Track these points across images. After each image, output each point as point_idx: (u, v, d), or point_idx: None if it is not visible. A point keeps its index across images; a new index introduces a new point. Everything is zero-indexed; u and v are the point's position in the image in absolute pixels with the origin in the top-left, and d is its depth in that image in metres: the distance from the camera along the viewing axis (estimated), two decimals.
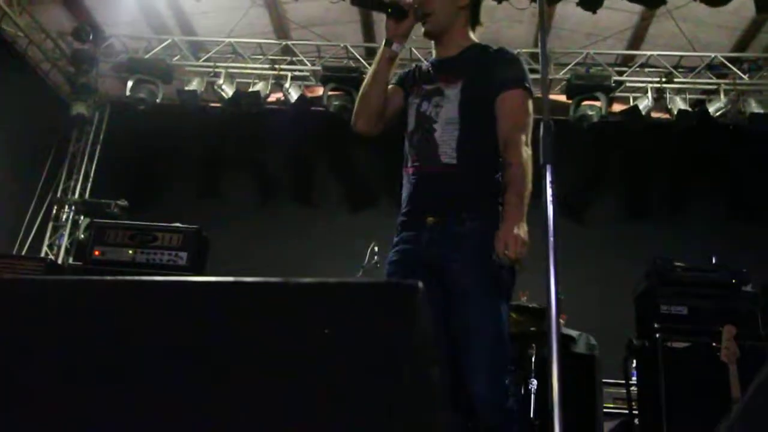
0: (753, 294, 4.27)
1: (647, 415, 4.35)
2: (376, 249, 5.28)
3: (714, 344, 3.81)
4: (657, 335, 4.16)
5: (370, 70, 2.63)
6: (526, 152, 2.35)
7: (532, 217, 2.22)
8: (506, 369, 2.34)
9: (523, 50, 7.41)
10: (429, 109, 2.51)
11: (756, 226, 7.15)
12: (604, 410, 5.04)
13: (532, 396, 3.91)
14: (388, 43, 2.57)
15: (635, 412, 4.56)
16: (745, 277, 4.30)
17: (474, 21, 2.66)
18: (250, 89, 7.51)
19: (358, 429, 0.82)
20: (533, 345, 4.07)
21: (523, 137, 2.38)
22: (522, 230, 2.25)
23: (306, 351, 0.86)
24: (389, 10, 2.50)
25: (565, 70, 7.35)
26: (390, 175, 8.48)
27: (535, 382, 3.94)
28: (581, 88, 7.10)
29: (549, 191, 1.79)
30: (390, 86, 2.65)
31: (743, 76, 7.06)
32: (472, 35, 2.64)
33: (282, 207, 8.09)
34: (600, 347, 5.62)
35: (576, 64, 7.34)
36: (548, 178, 1.84)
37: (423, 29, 2.58)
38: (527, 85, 2.51)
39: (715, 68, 7.16)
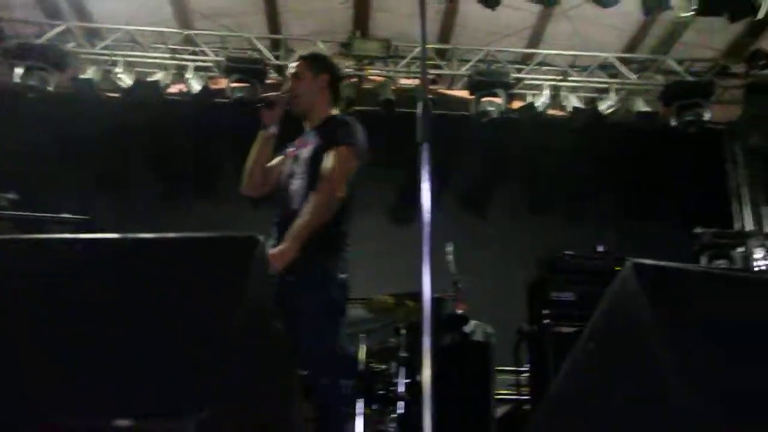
0: None
1: (537, 399, 4.53)
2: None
3: None
4: (546, 321, 4.34)
5: (252, 150, 3.15)
6: (327, 195, 2.89)
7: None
8: (341, 374, 2.88)
9: (428, 46, 7.54)
10: (290, 168, 3.12)
11: (643, 220, 7.57)
12: (497, 396, 5.21)
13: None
14: (265, 128, 3.12)
15: (526, 397, 4.74)
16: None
17: (335, 98, 3.27)
18: (150, 79, 7.30)
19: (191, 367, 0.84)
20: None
21: (331, 183, 2.91)
22: (286, 250, 2.76)
23: (147, 298, 0.88)
24: (261, 104, 3.11)
25: (468, 66, 7.52)
26: None
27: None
28: (482, 84, 7.29)
29: (425, 171, 1.82)
30: (280, 157, 3.21)
31: (631, 75, 7.43)
32: (332, 110, 3.23)
33: (184, 200, 7.91)
34: (497, 336, 5.81)
35: (478, 61, 7.52)
36: (424, 157, 1.85)
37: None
38: (351, 141, 3.03)
39: (606, 68, 7.50)
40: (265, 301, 1.00)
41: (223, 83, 7.48)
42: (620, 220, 7.45)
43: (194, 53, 7.59)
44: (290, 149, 3.20)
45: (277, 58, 7.58)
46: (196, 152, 8.01)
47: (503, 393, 5.36)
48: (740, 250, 7.18)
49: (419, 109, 2.04)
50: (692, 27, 7.03)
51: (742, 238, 7.33)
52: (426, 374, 1.77)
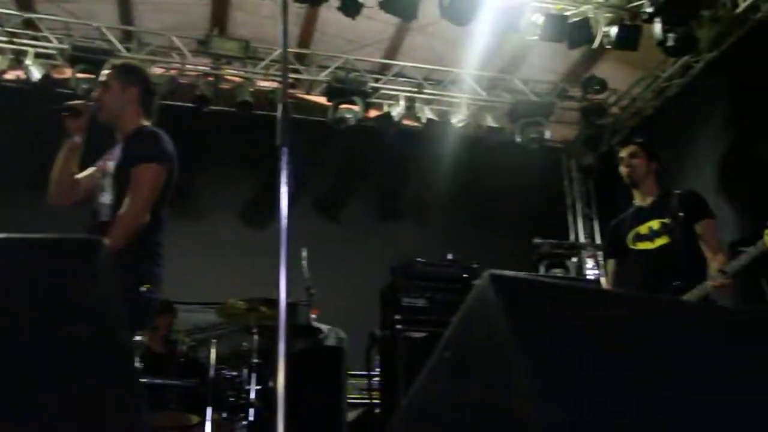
0: None
1: (387, 403, 4.61)
2: None
3: None
4: (398, 326, 4.43)
5: (58, 159, 3.07)
6: (132, 211, 2.85)
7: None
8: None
9: (290, 50, 7.50)
10: (99, 181, 3.06)
11: (490, 229, 7.96)
12: (350, 401, 5.26)
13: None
14: (70, 137, 3.04)
15: (377, 401, 4.81)
16: (476, 272, 4.75)
17: (147, 111, 3.22)
18: None
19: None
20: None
21: (136, 200, 2.86)
22: None
23: None
24: (66, 112, 3.01)
25: (326, 72, 7.56)
26: None
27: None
28: (340, 91, 7.36)
29: (284, 174, 1.79)
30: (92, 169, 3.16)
31: (482, 92, 7.80)
32: (143, 121, 3.16)
33: (16, 195, 7.30)
34: (349, 341, 5.86)
35: (336, 68, 7.58)
36: (283, 160, 1.82)
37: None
38: (153, 156, 3.01)
39: (458, 83, 7.83)
40: (107, 309, 0.94)
41: (67, 73, 7.01)
42: (468, 229, 7.76)
43: (35, 38, 7.06)
44: (100, 162, 3.16)
45: (128, 50, 7.23)
46: (32, 143, 7.42)
47: (355, 397, 5.41)
48: (574, 260, 7.74)
49: (279, 112, 1.97)
50: (537, 51, 7.50)
51: (576, 249, 7.92)
52: (280, 380, 1.74)
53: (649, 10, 6.20)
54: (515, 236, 7.80)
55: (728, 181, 6.44)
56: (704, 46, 6.70)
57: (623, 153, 3.89)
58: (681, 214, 3.51)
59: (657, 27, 6.22)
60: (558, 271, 7.59)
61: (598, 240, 8.34)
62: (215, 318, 4.52)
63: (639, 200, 3.87)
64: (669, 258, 3.51)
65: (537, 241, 7.63)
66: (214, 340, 3.70)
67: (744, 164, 6.32)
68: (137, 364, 3.29)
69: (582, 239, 8.38)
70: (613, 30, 6.42)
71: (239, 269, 6.69)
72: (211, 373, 3.62)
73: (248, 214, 7.78)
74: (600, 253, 8.21)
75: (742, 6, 6.28)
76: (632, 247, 3.76)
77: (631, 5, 6.52)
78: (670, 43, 6.21)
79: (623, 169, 3.84)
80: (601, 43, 6.52)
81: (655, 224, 3.68)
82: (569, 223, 8.63)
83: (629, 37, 6.37)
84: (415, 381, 1.12)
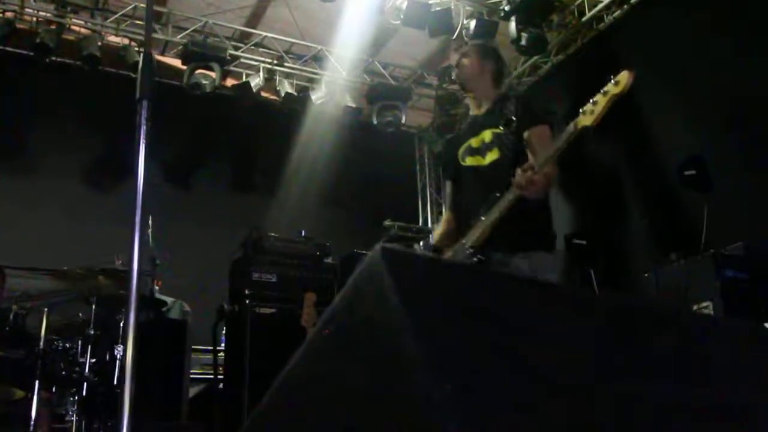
0: (333, 266, 4.77)
1: (231, 378, 4.55)
2: None
3: (298, 311, 4.14)
4: (247, 301, 4.37)
5: None
6: None
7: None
8: None
9: (142, 5, 7.09)
10: None
11: (343, 209, 8.04)
12: (192, 376, 5.12)
13: (117, 362, 3.78)
14: None
15: (221, 376, 4.73)
16: (327, 250, 4.77)
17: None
18: None
19: None
20: (122, 309, 3.93)
21: None
22: None
23: None
24: None
25: (183, 34, 7.22)
26: None
27: (121, 347, 3.81)
28: (197, 55, 7.05)
29: (142, 130, 1.67)
30: None
31: (342, 71, 7.81)
32: None
33: None
34: (194, 315, 5.69)
35: (194, 31, 7.27)
36: (143, 115, 1.69)
37: None
38: None
39: (319, 60, 7.78)
40: None
41: None
42: (320, 207, 7.77)
43: None
44: None
45: None
46: None
47: (198, 372, 5.27)
48: (422, 243, 8.00)
49: (140, 62, 1.84)
50: (399, 36, 7.61)
51: (425, 233, 8.18)
52: (129, 352, 1.65)
53: (507, 8, 6.49)
54: (367, 217, 7.92)
55: (565, 176, 6.89)
56: (552, 49, 7.14)
57: (454, 55, 3.33)
58: (513, 120, 2.93)
59: (512, 25, 6.53)
60: None
61: None
62: (49, 285, 4.20)
63: (474, 109, 3.24)
64: (501, 177, 2.81)
65: (387, 223, 7.80)
66: (45, 309, 3.42)
67: (579, 161, 6.81)
68: None
69: (430, 224, 8.67)
70: (472, 23, 6.65)
71: (78, 234, 6.29)
72: (41, 344, 3.36)
73: (90, 176, 7.31)
74: None
75: (588, 15, 6.74)
76: (462, 163, 3.14)
77: (490, 1, 6.79)
78: (523, 42, 6.55)
79: (454, 73, 3.32)
80: (460, 34, 6.74)
81: (487, 135, 3.04)
82: (419, 208, 8.89)
83: (486, 32, 6.63)
84: (289, 361, 1.10)
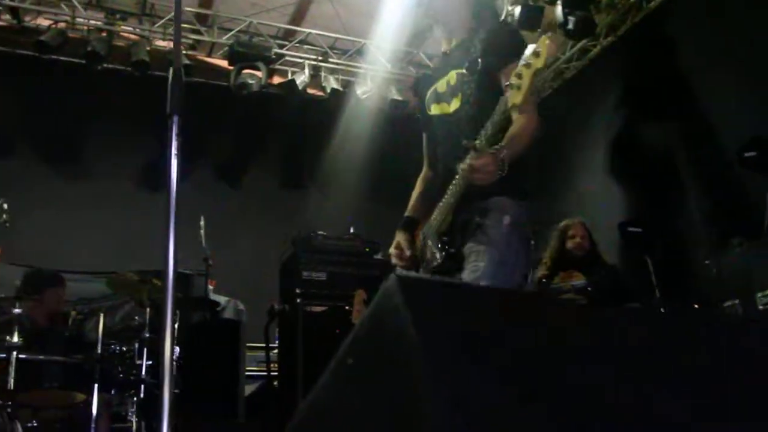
0: (382, 262, 4.74)
1: (286, 377, 4.59)
2: (5, 206, 4.63)
3: (347, 307, 4.14)
4: (298, 300, 4.39)
5: None
6: None
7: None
8: None
9: (188, 9, 7.18)
10: None
11: (390, 203, 7.98)
12: (248, 373, 5.19)
13: (174, 364, 3.85)
14: None
15: (275, 374, 4.77)
16: (376, 247, 4.76)
17: None
18: None
19: None
20: (177, 312, 3.99)
21: None
22: None
23: None
24: None
25: (229, 35, 7.29)
26: (35, 120, 7.50)
27: (177, 349, 3.87)
28: (243, 56, 7.12)
29: (173, 145, 1.66)
30: None
31: (387, 64, 7.77)
32: None
33: None
34: (249, 312, 5.76)
35: (239, 32, 7.32)
36: (173, 130, 1.68)
37: None
38: None
39: (364, 54, 7.75)
40: None
41: None
42: (370, 203, 7.76)
43: None
44: None
45: None
46: None
47: (254, 370, 5.34)
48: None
49: (170, 77, 1.79)
50: None
51: None
52: (167, 354, 1.64)
53: None
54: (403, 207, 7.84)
55: (619, 162, 6.73)
56: (601, 31, 6.95)
57: None
58: (479, 59, 2.31)
59: (558, 9, 6.36)
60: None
61: None
62: (105, 289, 4.30)
63: (445, 43, 2.64)
64: (463, 129, 2.28)
65: None
66: (102, 314, 3.50)
67: (633, 146, 6.62)
68: (16, 340, 3.08)
69: None
70: (517, 9, 6.51)
71: (132, 237, 6.42)
72: (99, 348, 3.44)
73: (143, 179, 7.46)
74: None
75: None
76: (428, 112, 2.61)
77: None
78: (570, 26, 6.37)
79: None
80: (505, 21, 6.61)
81: (453, 77, 2.47)
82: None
83: (531, 17, 6.48)
84: (315, 386, 1.08)
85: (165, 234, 1.77)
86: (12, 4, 6.66)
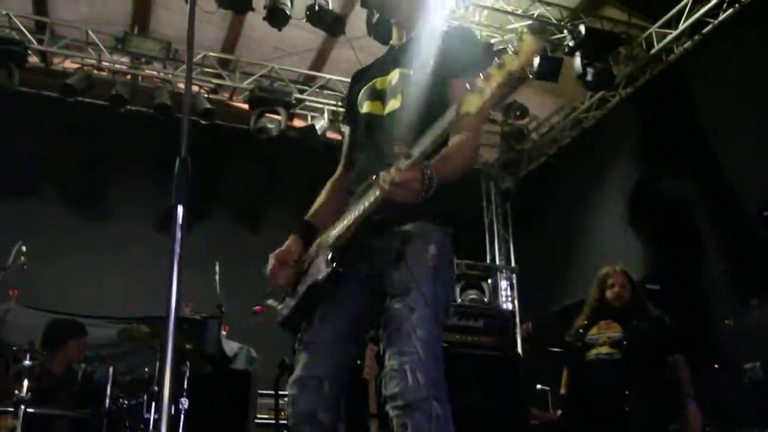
0: None
1: None
2: (23, 249, 4.68)
3: (359, 362, 4.10)
4: None
5: None
6: None
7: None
8: None
9: (212, 54, 7.31)
10: None
11: None
12: (258, 420, 5.14)
13: (182, 416, 3.83)
14: None
15: (284, 422, 4.72)
16: None
17: None
18: None
19: None
20: (187, 363, 3.98)
21: None
22: None
23: None
24: None
25: (250, 80, 7.40)
26: (57, 162, 7.64)
27: (185, 401, 3.85)
28: (263, 100, 7.21)
29: (177, 236, 1.64)
30: None
31: None
32: None
33: None
34: (262, 360, 5.72)
35: (261, 76, 7.43)
36: (178, 220, 1.65)
37: None
38: None
39: None
40: None
41: None
42: None
43: None
44: None
45: (40, 42, 6.87)
46: None
47: (264, 418, 5.28)
48: (489, 281, 7.87)
49: (176, 166, 1.72)
50: None
51: (492, 270, 8.05)
52: (165, 406, 1.59)
53: (571, 43, 6.37)
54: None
55: (637, 214, 6.68)
56: (620, 82, 6.96)
57: None
58: (431, 60, 2.12)
59: (577, 61, 6.40)
60: (473, 293, 7.68)
61: (513, 263, 8.49)
62: (117, 338, 4.31)
63: (395, 38, 2.42)
64: (395, 135, 2.08)
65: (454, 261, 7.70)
66: (111, 368, 3.49)
67: (652, 198, 6.57)
68: (24, 394, 3.08)
69: (498, 261, 8.51)
70: (536, 60, 6.55)
71: (151, 280, 6.42)
72: (107, 403, 3.43)
73: (163, 222, 7.51)
74: (514, 276, 8.38)
75: (657, 47, 6.54)
76: (359, 109, 2.33)
77: (554, 37, 6.67)
78: (589, 77, 6.40)
79: None
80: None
81: (395, 76, 2.23)
82: (486, 245, 8.74)
83: (551, 69, 6.52)
84: None
85: (167, 309, 1.75)
86: (41, 48, 6.84)
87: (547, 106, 8.05)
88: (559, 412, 4.78)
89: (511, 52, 1.61)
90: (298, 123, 7.83)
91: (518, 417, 4.69)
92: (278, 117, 7.26)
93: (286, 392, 2.19)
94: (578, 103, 7.67)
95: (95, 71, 7.04)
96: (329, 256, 2.08)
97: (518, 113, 7.82)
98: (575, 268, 7.19)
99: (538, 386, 5.87)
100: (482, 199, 8.91)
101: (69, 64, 7.10)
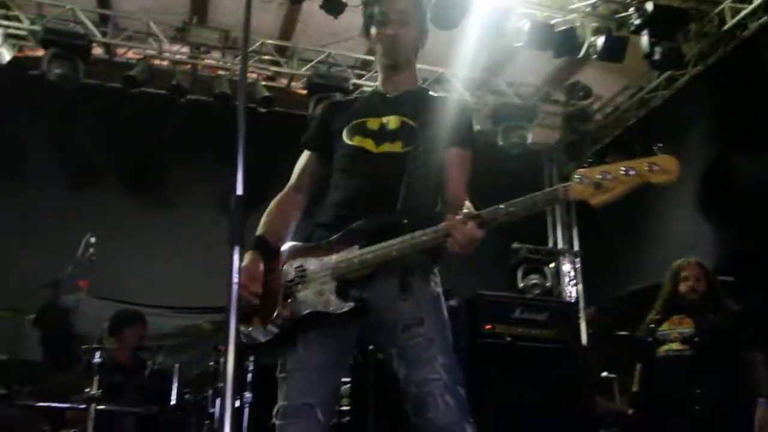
0: (455, 309, 4.63)
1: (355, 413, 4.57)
2: (92, 240, 4.81)
3: None
4: (370, 347, 4.35)
5: None
6: None
7: None
8: None
9: (269, 41, 7.32)
10: None
11: None
12: None
13: (246, 409, 3.87)
14: None
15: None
16: (450, 294, 4.65)
17: None
18: None
19: None
20: (250, 357, 4.02)
21: None
22: None
23: None
24: None
25: (308, 66, 7.39)
26: (121, 152, 7.81)
27: (249, 395, 3.89)
28: (321, 86, 7.19)
29: (234, 276, 1.61)
30: None
31: (464, 92, 7.67)
32: None
33: None
34: None
35: (318, 62, 7.40)
36: (234, 260, 1.63)
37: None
38: None
39: (442, 83, 7.67)
40: None
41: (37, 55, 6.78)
42: None
43: (6, 18, 6.79)
44: None
45: (104, 35, 7.00)
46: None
47: None
48: (552, 266, 7.72)
49: (232, 205, 1.70)
50: (522, 52, 7.36)
51: (554, 255, 7.89)
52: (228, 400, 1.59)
53: (637, 21, 6.11)
54: (494, 241, 7.70)
55: (708, 196, 6.41)
56: (690, 59, 6.65)
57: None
58: (433, 122, 2.33)
59: (644, 39, 6.13)
60: (535, 277, 7.57)
61: (576, 247, 8.30)
62: (181, 328, 4.39)
63: (386, 85, 2.47)
64: (394, 174, 2.27)
65: (515, 246, 7.59)
66: (177, 365, 3.55)
67: (725, 181, 6.29)
68: (95, 392, 3.17)
69: (560, 245, 8.33)
70: (600, 40, 6.32)
71: (215, 267, 6.54)
72: (174, 398, 3.50)
73: (223, 206, 7.61)
74: (578, 260, 8.21)
75: (730, 23, 6.21)
76: (346, 140, 2.37)
77: (618, 15, 6.41)
78: (656, 56, 6.13)
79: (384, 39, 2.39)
80: (586, 52, 6.42)
81: (393, 121, 2.35)
82: (548, 229, 8.57)
83: (616, 49, 6.29)
84: None
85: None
86: (104, 40, 6.97)
87: (612, 85, 7.77)
88: (630, 411, 4.65)
89: (651, 165, 1.79)
90: None
91: (583, 409, 4.59)
92: None
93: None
94: (645, 81, 7.37)
95: (156, 62, 7.14)
96: (340, 290, 2.11)
97: (581, 93, 7.58)
98: (642, 253, 6.97)
99: (604, 374, 5.75)
100: (544, 184, 8.71)
101: (131, 55, 7.22)
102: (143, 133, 7.30)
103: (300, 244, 2.29)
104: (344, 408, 5.13)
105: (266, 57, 7.42)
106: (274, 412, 2.14)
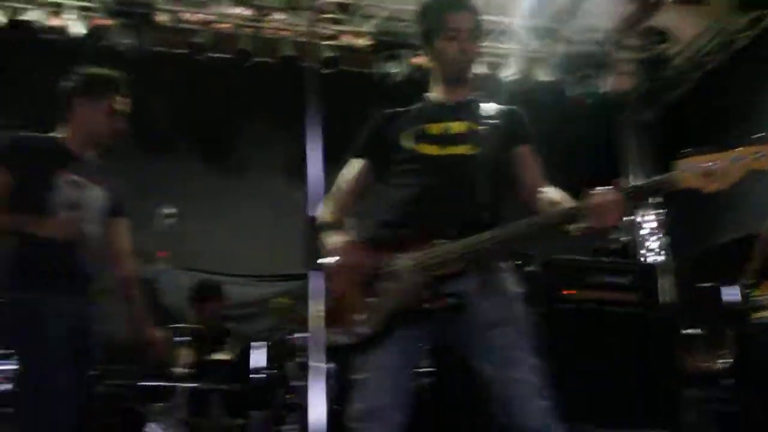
0: (533, 274, 4.53)
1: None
2: (173, 210, 4.85)
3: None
4: None
5: None
6: None
7: None
8: None
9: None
10: None
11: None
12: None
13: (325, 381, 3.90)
14: None
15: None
16: (529, 258, 4.55)
17: None
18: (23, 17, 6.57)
19: None
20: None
21: None
22: None
23: None
24: None
25: (372, 23, 7.24)
26: (190, 118, 7.83)
27: (328, 366, 3.91)
28: (386, 44, 7.08)
29: (310, 305, 1.58)
30: None
31: (532, 42, 7.38)
32: None
33: None
34: None
35: (381, 18, 7.24)
36: (311, 289, 1.59)
37: None
38: None
39: (508, 33, 7.40)
40: None
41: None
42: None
43: None
44: None
45: (167, 1, 7.01)
46: None
47: None
48: (630, 217, 7.50)
49: (304, 233, 1.73)
50: None
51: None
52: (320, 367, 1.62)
53: None
54: (568, 192, 7.51)
55: None
56: None
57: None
58: (499, 127, 2.54)
59: None
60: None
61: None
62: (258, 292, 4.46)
63: (444, 92, 2.61)
64: (467, 175, 2.42)
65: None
66: (254, 344, 3.60)
67: None
68: (183, 370, 3.25)
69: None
70: None
71: (287, 234, 6.60)
72: (260, 375, 3.57)
73: (290, 171, 7.62)
74: (659, 212, 7.92)
75: None
76: (414, 147, 2.47)
77: None
78: None
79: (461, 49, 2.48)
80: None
81: (456, 126, 2.50)
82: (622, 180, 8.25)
83: None
84: None
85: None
86: (167, 7, 6.97)
87: (691, 26, 7.33)
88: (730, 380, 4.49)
89: (754, 155, 1.92)
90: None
91: (669, 374, 4.47)
92: (401, 61, 7.08)
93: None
94: (726, 23, 6.92)
95: (220, 26, 7.12)
96: (434, 286, 2.11)
97: (657, 38, 7.20)
98: (726, 205, 6.67)
99: (689, 330, 5.58)
100: (619, 132, 8.37)
101: (196, 18, 7.19)
102: (211, 100, 7.33)
103: (373, 239, 2.28)
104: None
105: (327, 16, 7.30)
106: (351, 415, 2.12)
